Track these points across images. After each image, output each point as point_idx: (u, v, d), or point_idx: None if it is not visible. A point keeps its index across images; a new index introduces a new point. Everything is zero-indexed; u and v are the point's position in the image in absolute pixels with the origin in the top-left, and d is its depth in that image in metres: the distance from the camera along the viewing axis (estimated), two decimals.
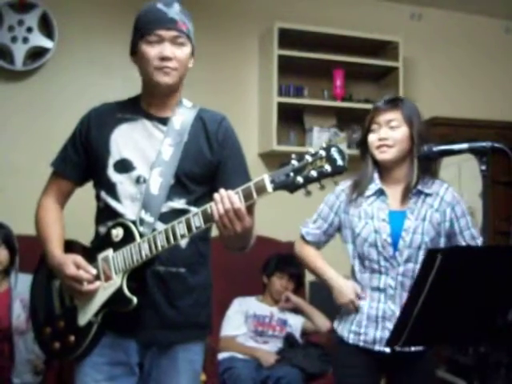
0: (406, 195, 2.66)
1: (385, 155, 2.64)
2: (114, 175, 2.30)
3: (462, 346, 2.75)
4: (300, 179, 1.92)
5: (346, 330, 2.71)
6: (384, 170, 2.71)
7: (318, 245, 2.85)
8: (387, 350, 2.58)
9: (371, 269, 2.65)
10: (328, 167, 1.89)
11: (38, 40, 4.54)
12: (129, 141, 2.32)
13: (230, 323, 4.30)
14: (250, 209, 2.04)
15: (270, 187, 1.94)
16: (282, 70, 4.91)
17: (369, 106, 4.24)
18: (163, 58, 2.23)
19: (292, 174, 1.92)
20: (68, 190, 2.44)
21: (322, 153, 1.90)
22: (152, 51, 2.24)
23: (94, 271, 2.22)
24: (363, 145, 2.73)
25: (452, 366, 4.29)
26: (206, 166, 2.33)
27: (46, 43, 4.55)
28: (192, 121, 2.37)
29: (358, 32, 5.13)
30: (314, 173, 1.90)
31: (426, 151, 2.33)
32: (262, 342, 4.22)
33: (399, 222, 2.63)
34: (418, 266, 2.56)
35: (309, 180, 1.91)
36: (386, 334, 2.54)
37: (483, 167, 2.14)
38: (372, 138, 2.67)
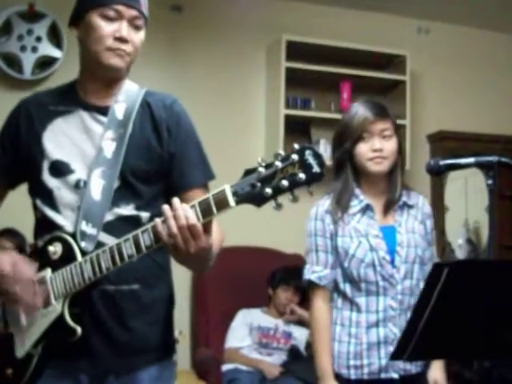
0: (389, 208, 2.53)
1: (380, 167, 2.48)
2: (49, 180, 1.97)
3: (467, 360, 2.72)
4: (268, 190, 1.60)
5: (344, 366, 2.46)
6: (367, 183, 2.54)
7: (332, 283, 2.52)
8: (395, 375, 2.43)
9: (367, 291, 2.44)
10: (302, 175, 1.59)
11: (47, 49, 4.56)
12: (64, 139, 1.98)
13: (235, 335, 4.29)
14: (207, 226, 1.69)
15: (232, 201, 1.62)
16: (290, 83, 4.92)
17: None
18: (119, 39, 1.90)
19: (259, 184, 1.61)
20: None
21: (295, 157, 1.61)
22: (107, 27, 1.90)
23: (31, 273, 1.89)
24: (344, 155, 2.51)
25: (457, 380, 4.27)
26: (156, 160, 1.99)
27: (55, 53, 4.58)
28: (137, 107, 2.02)
29: (366, 45, 5.15)
30: (285, 182, 1.60)
31: (432, 165, 2.32)
32: (266, 354, 4.21)
33: (391, 236, 2.48)
34: (414, 283, 2.47)
35: (279, 191, 1.60)
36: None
37: (490, 181, 2.13)
38: (363, 149, 2.47)
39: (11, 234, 3.83)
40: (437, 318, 1.77)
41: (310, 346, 4.32)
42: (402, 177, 2.55)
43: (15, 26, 4.49)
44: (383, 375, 2.44)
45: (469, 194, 5.22)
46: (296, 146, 1.64)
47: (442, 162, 2.30)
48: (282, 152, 1.64)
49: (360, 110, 2.49)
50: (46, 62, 4.59)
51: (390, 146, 2.48)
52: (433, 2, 5.28)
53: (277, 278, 4.42)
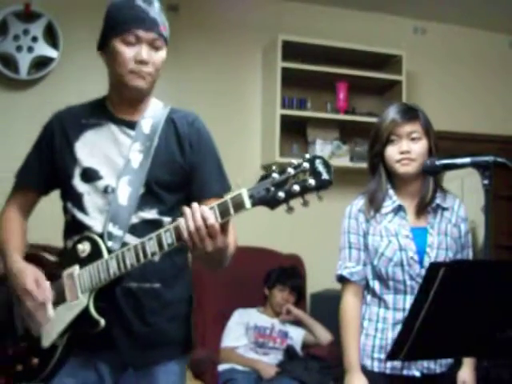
0: (422, 210, 2.56)
1: (407, 168, 2.50)
2: (80, 185, 2.15)
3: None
4: (281, 194, 1.75)
5: (369, 358, 2.55)
6: (400, 184, 2.58)
7: (364, 281, 2.60)
8: (417, 373, 2.47)
9: (395, 289, 2.51)
10: (312, 181, 1.73)
11: (43, 49, 4.56)
12: (95, 149, 2.16)
13: (231, 334, 4.29)
14: (224, 227, 1.85)
15: (248, 203, 1.78)
16: (286, 83, 4.92)
17: (372, 120, 4.24)
18: (140, 62, 2.08)
19: (273, 189, 1.77)
20: (31, 201, 2.31)
21: (306, 165, 1.74)
22: (128, 52, 2.08)
23: (49, 295, 2.07)
24: (376, 157, 2.58)
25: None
26: (179, 172, 2.18)
27: (51, 53, 4.58)
28: (162, 123, 2.21)
29: (362, 45, 5.15)
30: (296, 187, 1.74)
31: (429, 165, 2.33)
32: (262, 353, 4.21)
33: (422, 238, 2.52)
34: None
35: (291, 195, 1.75)
36: (411, 361, 2.43)
37: (486, 181, 2.13)
38: (392, 151, 2.52)
39: None
40: (433, 318, 1.78)
41: (305, 346, 4.34)
42: (435, 179, 2.57)
43: (11, 26, 4.49)
44: (405, 372, 2.49)
45: (465, 194, 5.23)
46: (307, 155, 1.77)
47: (438, 162, 2.31)
48: (295, 161, 1.77)
49: (390, 113, 2.56)
50: (41, 62, 4.59)
51: (418, 147, 2.52)
52: (429, 2, 5.28)
53: (273, 277, 4.42)
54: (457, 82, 5.70)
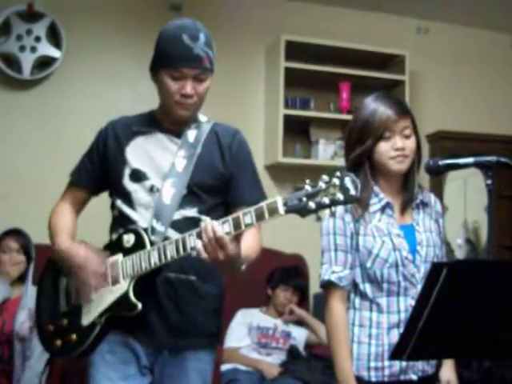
0: (407, 207, 2.46)
1: (402, 166, 2.38)
2: (129, 184, 2.37)
3: (466, 360, 2.71)
4: (312, 205, 1.94)
5: (365, 369, 2.36)
6: (385, 181, 2.46)
7: (350, 285, 2.44)
8: (414, 377, 2.36)
9: (388, 291, 2.36)
10: (340, 196, 1.91)
11: (46, 49, 4.56)
12: (143, 153, 2.39)
13: (234, 335, 4.29)
14: (237, 238, 2.06)
15: (282, 210, 1.96)
16: (289, 83, 4.93)
17: None
18: (184, 95, 2.29)
19: (305, 199, 1.94)
20: (83, 199, 2.52)
21: (336, 181, 1.93)
22: (174, 85, 2.29)
23: (100, 265, 2.27)
24: (365, 153, 2.42)
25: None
26: (218, 177, 2.39)
27: (54, 53, 4.58)
28: (206, 134, 2.43)
29: (365, 45, 5.16)
30: (326, 200, 1.92)
31: (431, 165, 2.32)
32: (265, 354, 4.21)
33: (411, 236, 2.42)
34: None
35: (321, 206, 1.93)
36: (413, 361, 2.33)
37: (489, 181, 2.12)
38: (385, 147, 2.38)
39: (16, 233, 3.87)
40: (436, 318, 1.77)
41: (308, 346, 4.33)
42: (416, 175, 2.48)
43: (14, 26, 4.50)
44: (402, 377, 2.36)
45: (468, 194, 5.22)
46: (338, 173, 1.94)
47: (441, 162, 2.29)
48: (326, 176, 1.95)
49: (381, 108, 2.41)
50: (45, 62, 4.60)
51: (411, 144, 2.40)
52: (432, 1, 5.28)
53: (276, 278, 4.42)
54: (460, 81, 5.70)
